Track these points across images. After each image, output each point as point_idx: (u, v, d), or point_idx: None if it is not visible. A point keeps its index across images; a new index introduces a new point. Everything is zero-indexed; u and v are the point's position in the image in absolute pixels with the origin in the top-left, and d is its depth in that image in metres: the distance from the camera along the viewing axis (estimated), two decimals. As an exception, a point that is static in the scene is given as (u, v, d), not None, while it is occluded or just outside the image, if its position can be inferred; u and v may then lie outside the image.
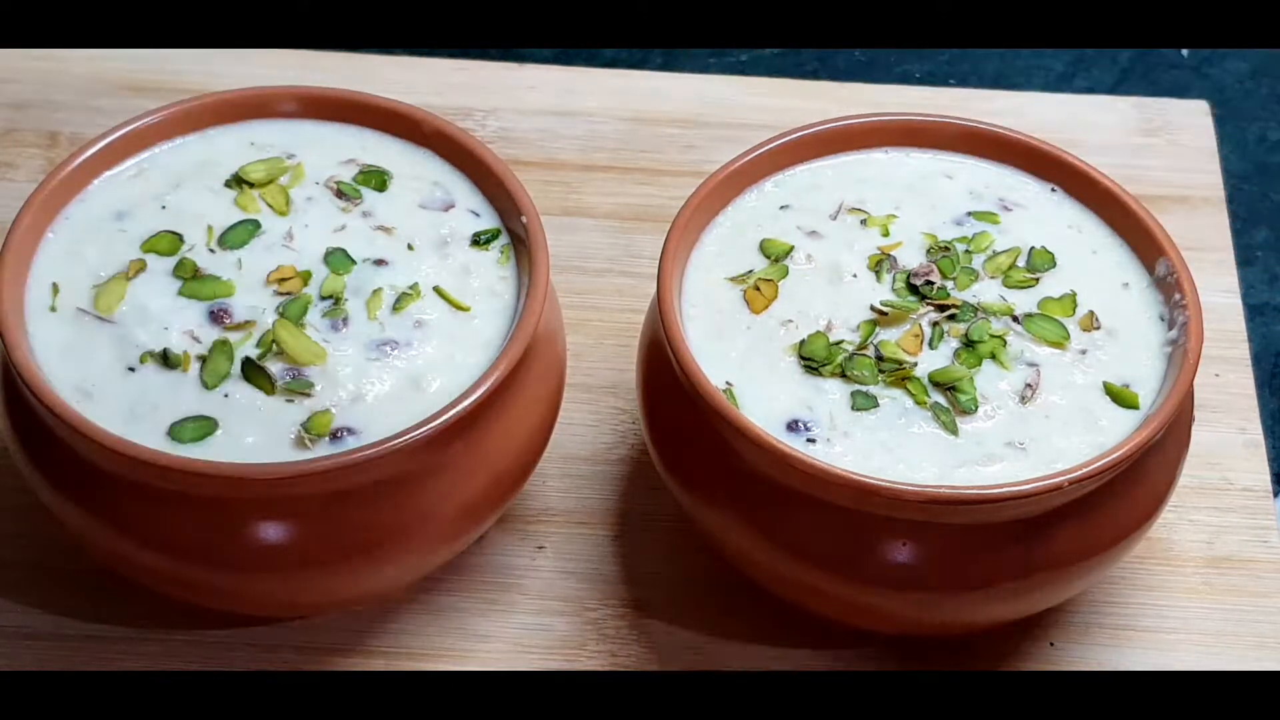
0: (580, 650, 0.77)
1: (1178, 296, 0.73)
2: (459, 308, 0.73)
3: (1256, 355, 0.88)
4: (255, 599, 0.73)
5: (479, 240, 0.75)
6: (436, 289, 0.73)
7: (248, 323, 0.71)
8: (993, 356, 0.72)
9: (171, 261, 0.73)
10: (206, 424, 0.68)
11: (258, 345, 0.71)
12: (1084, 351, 0.72)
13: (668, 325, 0.71)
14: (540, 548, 0.80)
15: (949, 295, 0.74)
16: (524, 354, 0.71)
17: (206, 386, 0.69)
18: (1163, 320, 0.73)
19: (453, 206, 0.76)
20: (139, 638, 0.76)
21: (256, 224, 0.75)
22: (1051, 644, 0.77)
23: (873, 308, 0.73)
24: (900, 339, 0.72)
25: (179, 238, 0.74)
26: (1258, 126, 1.05)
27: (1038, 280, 0.75)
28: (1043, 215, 0.77)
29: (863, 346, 0.72)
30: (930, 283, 0.74)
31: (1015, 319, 0.73)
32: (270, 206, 0.75)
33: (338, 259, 0.74)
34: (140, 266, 0.73)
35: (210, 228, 0.74)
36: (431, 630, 0.77)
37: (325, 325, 0.72)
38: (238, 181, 0.76)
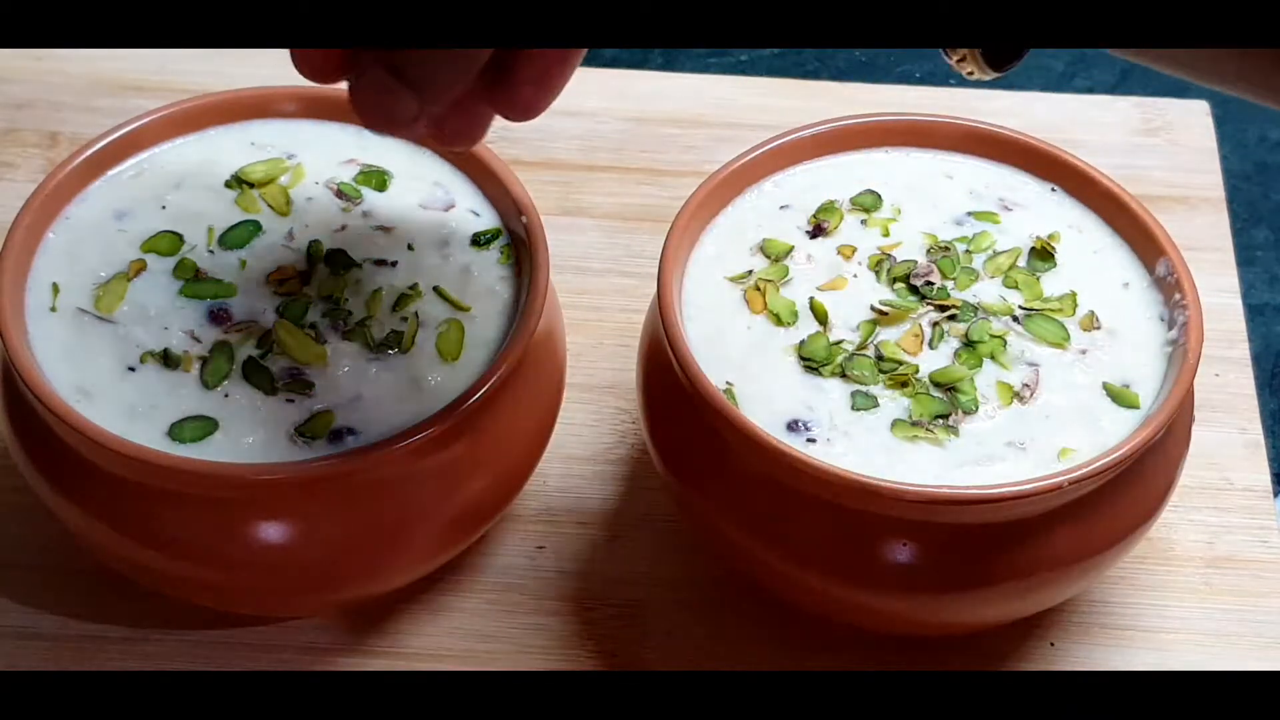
0: (580, 650, 0.77)
1: (1178, 296, 0.73)
2: (459, 308, 0.73)
3: (1256, 355, 0.88)
4: (255, 599, 0.73)
5: (479, 240, 0.75)
6: (436, 289, 0.73)
7: (248, 323, 0.71)
8: (993, 356, 0.72)
9: (172, 261, 0.73)
10: (206, 424, 0.68)
11: (258, 345, 0.71)
12: (1084, 351, 0.72)
13: (668, 325, 0.71)
14: (540, 548, 0.80)
15: (949, 295, 0.74)
16: (524, 354, 0.71)
17: (207, 386, 0.69)
18: (1163, 320, 0.73)
19: (453, 206, 0.76)
20: (139, 638, 0.76)
21: (257, 224, 0.75)
22: (1051, 644, 0.77)
23: (873, 308, 0.73)
24: (900, 339, 0.72)
25: (179, 238, 0.74)
26: (1258, 126, 1.05)
27: (1038, 280, 0.75)
28: (1043, 215, 0.77)
29: (863, 346, 0.72)
30: (930, 283, 0.74)
31: (1015, 319, 0.73)
32: (270, 207, 0.76)
33: (338, 259, 0.74)
34: (140, 267, 0.73)
35: (210, 228, 0.74)
36: (431, 630, 0.77)
37: (325, 325, 0.72)
38: (238, 181, 0.76)
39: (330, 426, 0.69)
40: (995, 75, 0.64)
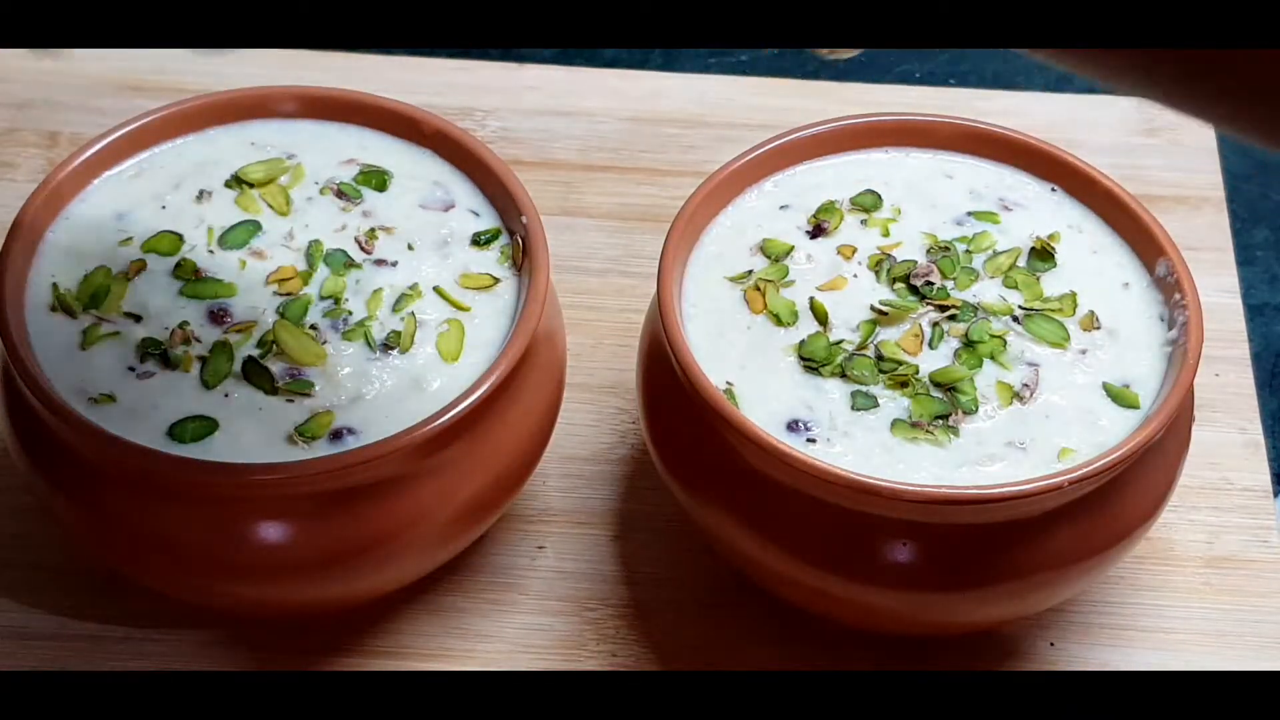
0: (580, 650, 0.77)
1: (1178, 296, 0.73)
2: (459, 308, 0.73)
3: (1256, 355, 0.88)
4: (255, 599, 0.73)
5: (479, 240, 0.75)
6: (436, 289, 0.73)
7: (248, 323, 0.71)
8: (993, 356, 0.72)
9: (172, 261, 0.73)
10: (206, 424, 0.68)
11: (258, 345, 0.71)
12: (1084, 351, 0.72)
13: (668, 325, 0.71)
14: (540, 548, 0.80)
15: (949, 295, 0.74)
16: (524, 354, 0.71)
17: (207, 386, 0.69)
18: (1163, 320, 0.73)
19: (453, 206, 0.76)
20: (139, 638, 0.76)
21: (257, 224, 0.75)
22: (1051, 644, 0.77)
23: (873, 308, 0.73)
24: (900, 339, 0.72)
25: (179, 238, 0.74)
26: (1258, 126, 1.05)
27: (1038, 280, 0.75)
28: (1043, 215, 0.77)
29: (863, 346, 0.72)
30: (930, 283, 0.74)
31: (1015, 319, 0.73)
32: (270, 207, 0.76)
33: (338, 259, 0.74)
34: (140, 266, 0.73)
35: (210, 228, 0.75)
36: (431, 630, 0.77)
37: (325, 325, 0.72)
38: (238, 182, 0.76)
39: (330, 426, 0.69)
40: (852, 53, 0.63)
